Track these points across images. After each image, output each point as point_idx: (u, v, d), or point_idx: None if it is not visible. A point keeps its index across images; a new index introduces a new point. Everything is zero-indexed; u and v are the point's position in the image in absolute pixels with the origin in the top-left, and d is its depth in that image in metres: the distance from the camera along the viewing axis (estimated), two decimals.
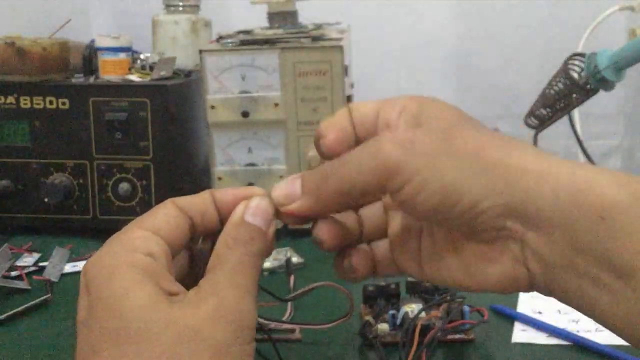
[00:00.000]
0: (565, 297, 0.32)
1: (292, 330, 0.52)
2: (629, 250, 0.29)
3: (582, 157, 0.99)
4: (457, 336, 0.51)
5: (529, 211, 0.31)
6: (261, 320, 0.52)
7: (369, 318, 0.52)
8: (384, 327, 0.52)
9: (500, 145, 0.33)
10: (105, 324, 0.31)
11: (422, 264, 0.37)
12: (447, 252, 0.36)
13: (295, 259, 0.67)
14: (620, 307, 0.30)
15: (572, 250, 0.31)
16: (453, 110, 0.36)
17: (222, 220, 0.37)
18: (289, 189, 0.36)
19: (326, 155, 0.37)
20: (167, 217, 0.36)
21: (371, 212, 0.40)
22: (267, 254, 0.36)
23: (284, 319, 0.54)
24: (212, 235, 0.37)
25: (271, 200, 0.36)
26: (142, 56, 0.80)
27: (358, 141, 0.36)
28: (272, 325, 0.52)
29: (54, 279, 0.64)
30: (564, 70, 0.87)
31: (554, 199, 0.31)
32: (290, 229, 0.66)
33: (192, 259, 0.39)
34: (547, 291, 0.33)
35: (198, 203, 0.37)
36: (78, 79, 0.79)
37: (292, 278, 0.62)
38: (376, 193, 0.35)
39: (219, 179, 0.75)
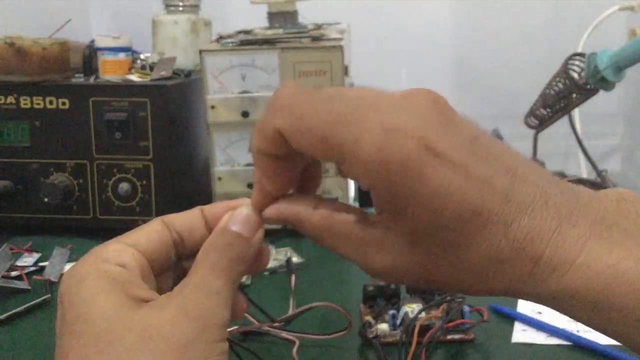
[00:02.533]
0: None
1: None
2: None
3: (582, 157, 0.99)
4: (457, 336, 0.51)
5: (547, 300, 0.30)
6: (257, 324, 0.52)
7: (369, 318, 0.52)
8: (383, 327, 0.52)
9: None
10: (73, 328, 0.32)
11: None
12: None
13: (295, 259, 0.67)
14: None
15: (598, 326, 0.30)
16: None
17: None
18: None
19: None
20: (149, 233, 0.37)
21: None
22: (249, 261, 0.36)
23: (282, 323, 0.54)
24: None
25: (255, 208, 0.37)
26: (142, 56, 0.81)
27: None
28: (271, 332, 0.52)
29: (54, 279, 0.64)
30: (564, 70, 0.87)
31: (583, 290, 0.29)
32: (290, 228, 0.66)
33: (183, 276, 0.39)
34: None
35: (186, 219, 0.38)
36: (78, 79, 0.79)
37: (292, 278, 0.62)
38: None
39: (219, 179, 0.75)
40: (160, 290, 0.37)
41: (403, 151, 0.29)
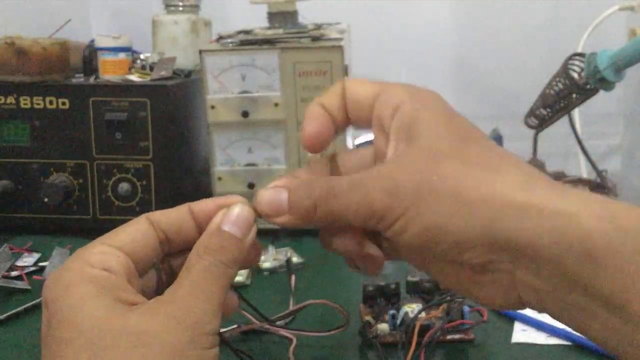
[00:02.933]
0: (559, 319, 0.33)
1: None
2: (617, 285, 0.29)
3: (582, 157, 0.99)
4: (457, 336, 0.51)
5: (514, 247, 0.31)
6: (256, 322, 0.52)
7: (368, 318, 0.53)
8: (383, 327, 0.52)
9: (482, 176, 0.32)
10: (61, 335, 0.31)
11: (427, 262, 0.36)
12: (445, 266, 0.35)
13: (295, 259, 0.67)
14: (611, 336, 0.30)
15: (562, 283, 0.31)
16: (444, 118, 0.35)
17: (202, 233, 0.37)
18: (275, 200, 0.36)
19: (307, 149, 0.39)
20: (134, 232, 0.36)
21: None
22: (241, 262, 0.36)
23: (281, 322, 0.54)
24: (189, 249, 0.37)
25: (251, 207, 0.37)
26: (142, 56, 0.80)
27: (347, 121, 0.39)
28: (270, 330, 0.52)
29: None
30: (564, 70, 0.87)
31: (539, 235, 0.30)
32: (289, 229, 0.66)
33: (170, 274, 0.39)
34: (541, 311, 0.33)
35: (173, 217, 0.38)
36: (78, 79, 0.79)
37: (292, 278, 0.62)
38: (363, 227, 0.35)
39: (219, 179, 0.75)
40: (145, 291, 0.37)
41: None
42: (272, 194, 0.37)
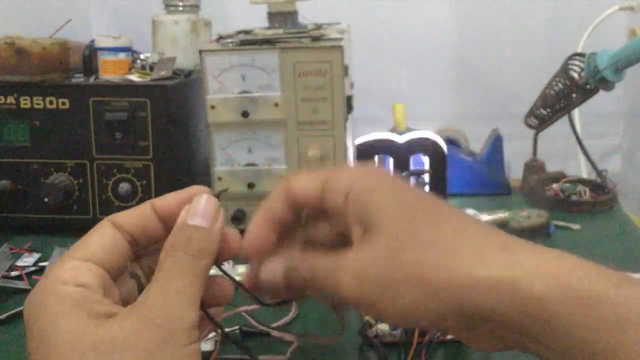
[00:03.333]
0: None
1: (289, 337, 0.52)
2: (581, 351, 0.31)
3: (582, 157, 0.99)
4: None
5: (481, 316, 0.33)
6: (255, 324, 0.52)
7: (369, 318, 0.52)
8: (383, 326, 0.51)
9: (439, 259, 0.34)
10: (37, 352, 0.32)
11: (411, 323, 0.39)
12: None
13: None
14: None
15: (529, 340, 0.33)
16: (394, 199, 0.37)
17: (168, 229, 0.37)
18: (272, 277, 0.39)
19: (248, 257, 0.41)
20: (101, 240, 0.36)
21: None
22: (214, 251, 0.36)
23: (283, 322, 0.54)
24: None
25: (213, 196, 0.37)
26: (142, 56, 0.80)
27: (298, 211, 0.41)
28: (271, 333, 0.52)
29: None
30: (564, 70, 0.87)
31: (498, 305, 0.33)
32: None
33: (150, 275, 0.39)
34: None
35: (137, 217, 0.38)
36: (78, 79, 0.79)
37: None
38: None
39: (219, 179, 0.75)
40: (127, 298, 0.37)
41: None
42: (270, 270, 0.40)
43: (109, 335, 0.32)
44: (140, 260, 0.40)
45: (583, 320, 0.31)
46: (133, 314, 0.33)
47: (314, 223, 0.42)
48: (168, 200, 0.38)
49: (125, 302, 0.37)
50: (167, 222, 0.38)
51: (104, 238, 0.36)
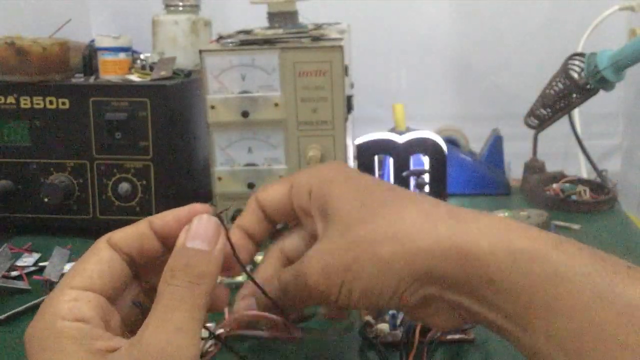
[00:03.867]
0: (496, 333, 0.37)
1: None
2: (518, 306, 0.34)
3: (582, 157, 0.99)
4: (457, 336, 0.51)
5: (436, 278, 0.36)
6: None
7: (369, 318, 0.52)
8: (384, 327, 0.51)
9: (390, 233, 0.36)
10: None
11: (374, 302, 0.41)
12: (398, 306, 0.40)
13: None
14: (525, 351, 0.35)
15: (479, 304, 0.35)
16: (348, 187, 0.39)
17: (167, 247, 0.37)
18: (252, 311, 0.42)
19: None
20: (99, 265, 0.35)
21: None
22: (216, 272, 0.35)
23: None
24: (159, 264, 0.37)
25: (213, 216, 0.37)
26: (142, 56, 0.80)
27: (271, 228, 0.44)
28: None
29: (54, 279, 0.64)
30: (564, 70, 0.87)
31: (449, 271, 0.35)
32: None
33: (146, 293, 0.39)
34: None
35: (134, 237, 0.37)
36: (78, 79, 0.79)
37: None
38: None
39: (219, 179, 0.75)
40: (127, 318, 0.37)
41: None
42: (245, 305, 0.42)
43: None
44: (140, 279, 0.39)
45: (523, 276, 0.33)
46: (131, 352, 0.32)
47: (290, 233, 0.44)
48: (166, 218, 0.37)
49: (128, 325, 0.37)
50: (166, 241, 0.37)
51: (102, 262, 0.35)
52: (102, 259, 0.36)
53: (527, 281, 0.33)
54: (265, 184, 0.44)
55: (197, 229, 0.35)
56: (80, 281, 0.34)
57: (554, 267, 0.33)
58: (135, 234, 0.37)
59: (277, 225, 0.45)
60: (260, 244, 0.44)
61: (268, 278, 0.42)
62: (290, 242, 0.45)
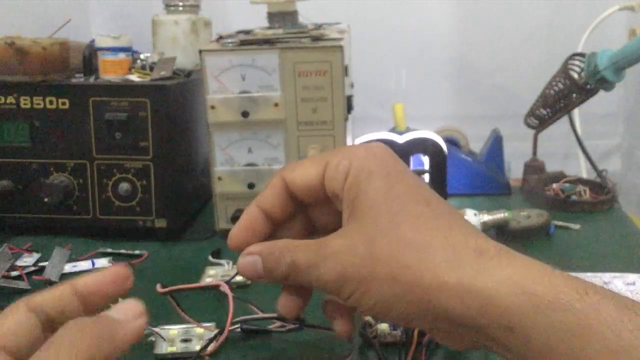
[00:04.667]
0: None
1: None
2: (538, 353, 0.32)
3: (582, 157, 0.99)
4: None
5: (450, 319, 0.35)
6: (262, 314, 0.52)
7: (369, 318, 0.52)
8: (383, 326, 0.51)
9: (414, 258, 0.35)
10: None
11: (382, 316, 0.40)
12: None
13: None
14: None
15: (495, 345, 0.34)
16: (383, 187, 0.38)
17: (88, 309, 0.36)
18: (251, 268, 0.40)
19: (232, 249, 0.41)
20: (14, 325, 0.34)
21: None
22: (118, 340, 0.32)
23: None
24: None
25: (138, 302, 0.35)
26: (142, 56, 0.80)
27: (289, 211, 0.42)
28: (277, 324, 0.52)
29: (54, 279, 0.64)
30: (564, 70, 0.87)
31: (467, 311, 0.34)
32: None
33: None
34: None
35: (55, 299, 0.35)
36: (78, 79, 0.79)
37: None
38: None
39: (219, 179, 0.75)
40: None
41: None
42: (248, 262, 0.40)
43: None
44: None
45: (545, 328, 0.32)
46: None
47: (315, 210, 0.43)
48: (88, 281, 0.36)
49: None
50: (86, 304, 0.36)
51: (17, 322, 0.34)
52: (17, 319, 0.34)
53: (551, 333, 0.32)
54: (292, 162, 0.42)
55: (120, 305, 0.35)
56: None
57: (580, 318, 0.32)
58: (56, 296, 0.35)
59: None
60: (278, 225, 0.42)
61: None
62: (316, 216, 0.43)
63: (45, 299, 0.35)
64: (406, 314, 0.36)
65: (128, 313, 0.34)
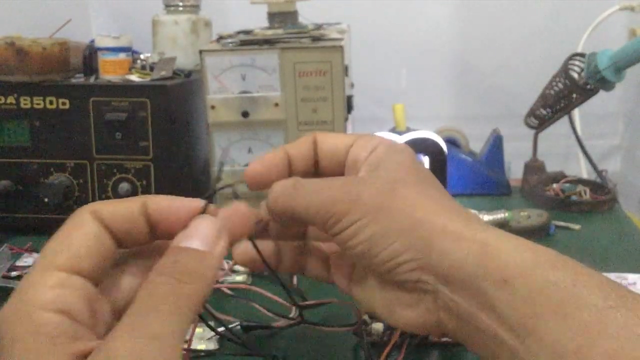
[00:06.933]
0: (471, 347, 0.35)
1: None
2: (526, 313, 0.31)
3: (582, 157, 0.99)
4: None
5: (442, 269, 0.34)
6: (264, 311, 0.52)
7: (365, 317, 0.52)
8: (378, 326, 0.51)
9: (429, 206, 0.36)
10: None
11: (351, 284, 0.41)
12: (374, 284, 0.38)
13: None
14: None
15: (477, 307, 0.33)
16: (411, 164, 0.39)
17: (155, 234, 0.33)
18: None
19: (246, 183, 0.42)
20: (85, 241, 0.30)
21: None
22: (209, 277, 0.30)
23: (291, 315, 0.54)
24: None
25: (217, 219, 0.33)
26: (142, 56, 0.80)
27: (321, 170, 0.42)
28: (281, 322, 0.53)
29: None
30: (564, 70, 0.87)
31: (464, 259, 0.34)
32: None
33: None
34: (456, 339, 0.36)
35: (123, 216, 0.32)
36: (78, 79, 0.79)
37: (294, 278, 0.62)
38: (318, 226, 0.38)
39: (219, 179, 0.75)
40: (117, 301, 0.32)
41: None
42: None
43: None
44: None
45: (541, 284, 0.31)
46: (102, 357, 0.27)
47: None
48: (162, 204, 0.33)
49: (118, 314, 0.31)
50: (155, 228, 0.33)
51: (88, 238, 0.30)
52: (88, 233, 0.31)
53: (542, 288, 0.31)
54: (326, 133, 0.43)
55: (195, 228, 0.32)
56: (66, 261, 0.29)
57: (573, 279, 0.31)
58: (125, 214, 0.32)
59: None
60: (293, 175, 0.41)
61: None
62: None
63: (113, 214, 0.32)
64: (400, 251, 0.35)
65: (209, 238, 0.32)
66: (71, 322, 0.28)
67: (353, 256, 0.37)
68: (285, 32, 0.75)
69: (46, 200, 0.75)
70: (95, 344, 0.28)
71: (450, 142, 0.95)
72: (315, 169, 0.42)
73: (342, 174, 0.41)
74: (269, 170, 0.41)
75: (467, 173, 0.92)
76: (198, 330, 0.53)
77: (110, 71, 0.79)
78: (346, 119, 0.74)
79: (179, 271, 0.29)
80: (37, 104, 0.76)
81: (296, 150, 0.41)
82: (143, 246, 0.34)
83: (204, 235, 0.32)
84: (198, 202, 0.34)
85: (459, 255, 0.34)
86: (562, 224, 0.78)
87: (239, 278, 0.63)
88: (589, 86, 0.85)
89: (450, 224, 0.35)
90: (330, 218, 0.36)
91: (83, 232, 0.31)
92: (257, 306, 0.53)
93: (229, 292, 0.60)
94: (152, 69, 0.79)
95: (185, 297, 0.28)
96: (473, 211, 0.72)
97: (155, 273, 0.29)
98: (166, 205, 0.33)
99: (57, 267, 0.29)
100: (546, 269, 0.32)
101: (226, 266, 0.66)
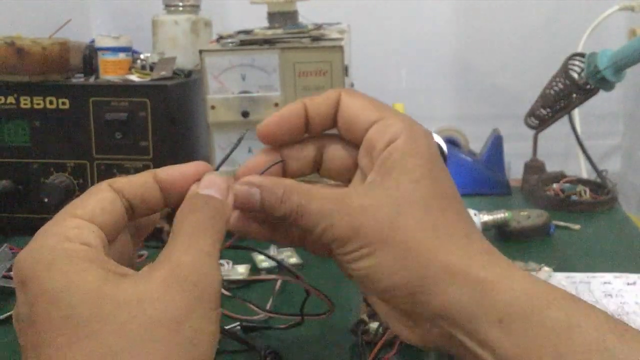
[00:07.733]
0: None
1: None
2: (520, 353, 0.32)
3: (582, 157, 0.99)
4: None
5: (438, 307, 0.34)
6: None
7: (364, 316, 0.52)
8: (375, 325, 0.51)
9: (434, 240, 0.35)
10: (52, 315, 0.29)
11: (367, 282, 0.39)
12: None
13: (294, 260, 0.67)
14: None
15: (474, 342, 0.34)
16: (426, 171, 0.37)
17: (168, 200, 0.37)
18: (248, 199, 0.37)
19: (258, 137, 0.41)
20: (101, 202, 0.34)
21: None
22: (227, 220, 0.35)
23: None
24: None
25: (222, 176, 0.37)
26: (142, 56, 0.80)
27: (325, 128, 0.40)
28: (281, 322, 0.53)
29: None
30: (564, 70, 0.87)
31: (461, 299, 0.34)
32: None
33: (132, 244, 0.38)
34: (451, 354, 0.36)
35: (138, 185, 0.36)
36: (78, 79, 0.79)
37: (278, 282, 0.61)
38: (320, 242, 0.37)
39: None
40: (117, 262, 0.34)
41: None
42: (245, 192, 0.37)
43: (135, 295, 0.29)
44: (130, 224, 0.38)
45: (537, 323, 0.32)
46: (159, 274, 0.30)
47: (330, 148, 0.41)
48: (171, 171, 0.37)
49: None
50: (168, 194, 0.37)
51: (105, 200, 0.34)
52: (105, 197, 0.34)
53: (540, 328, 0.32)
54: (354, 93, 0.40)
55: (209, 180, 0.36)
56: (83, 212, 0.33)
57: (568, 316, 0.32)
58: (139, 182, 0.36)
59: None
60: (305, 130, 0.40)
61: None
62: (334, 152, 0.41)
63: (127, 183, 0.36)
64: (394, 288, 0.35)
65: (223, 190, 0.36)
66: (96, 251, 0.31)
67: (354, 276, 0.37)
68: (285, 32, 0.75)
69: (46, 200, 0.75)
70: (124, 270, 0.31)
71: (450, 142, 0.95)
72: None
73: (358, 144, 0.39)
74: (282, 125, 0.40)
75: (467, 173, 0.92)
76: None
77: (110, 71, 0.79)
78: None
79: (213, 211, 0.34)
80: (37, 104, 0.76)
81: (315, 110, 0.39)
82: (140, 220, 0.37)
83: (218, 186, 0.36)
84: (203, 164, 0.38)
85: (456, 295, 0.34)
86: (562, 224, 0.78)
87: (240, 277, 0.63)
88: (588, 86, 0.85)
89: (451, 259, 0.35)
90: (332, 242, 0.36)
91: (99, 197, 0.34)
92: (254, 308, 0.53)
93: (228, 293, 0.59)
94: (152, 69, 0.79)
95: (218, 230, 0.34)
96: (473, 211, 0.72)
97: (190, 209, 0.34)
98: (176, 171, 0.37)
99: (74, 215, 0.33)
100: (542, 309, 0.32)
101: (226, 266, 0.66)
